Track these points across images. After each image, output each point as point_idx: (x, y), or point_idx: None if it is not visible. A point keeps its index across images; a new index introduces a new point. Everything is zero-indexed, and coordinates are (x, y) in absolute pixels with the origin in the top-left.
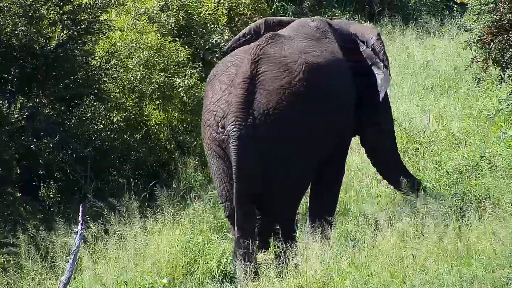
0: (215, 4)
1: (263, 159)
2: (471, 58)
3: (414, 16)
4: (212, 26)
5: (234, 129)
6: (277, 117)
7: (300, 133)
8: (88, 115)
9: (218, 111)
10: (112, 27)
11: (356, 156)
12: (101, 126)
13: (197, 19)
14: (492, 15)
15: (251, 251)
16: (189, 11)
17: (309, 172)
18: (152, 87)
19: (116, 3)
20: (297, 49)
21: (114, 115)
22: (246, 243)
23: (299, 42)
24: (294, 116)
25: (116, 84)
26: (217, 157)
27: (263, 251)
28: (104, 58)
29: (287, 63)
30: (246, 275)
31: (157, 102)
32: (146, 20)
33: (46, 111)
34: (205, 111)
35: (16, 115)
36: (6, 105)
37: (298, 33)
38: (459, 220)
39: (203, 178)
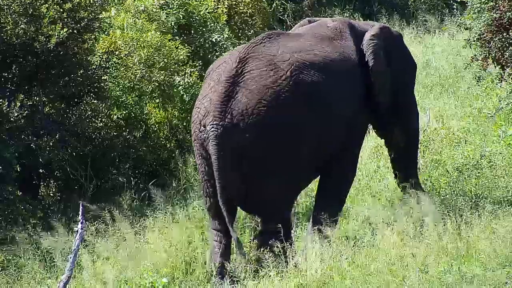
0: (215, 3)
1: (243, 159)
2: (471, 57)
3: (414, 15)
4: (212, 24)
5: (212, 129)
6: (256, 118)
7: (283, 136)
8: (88, 113)
9: (202, 108)
10: (112, 25)
11: None
12: (101, 125)
13: (197, 17)
14: (492, 13)
15: (226, 247)
16: (189, 10)
17: (295, 173)
18: (152, 86)
19: (116, 1)
20: (292, 48)
21: (114, 113)
22: (224, 239)
23: (300, 42)
24: (276, 117)
25: (116, 83)
26: (200, 155)
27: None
28: (104, 56)
29: (275, 62)
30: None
31: (157, 100)
32: (146, 18)
33: (46, 110)
34: (194, 107)
35: (16, 114)
36: (6, 103)
37: (309, 32)
38: (458, 219)
39: None
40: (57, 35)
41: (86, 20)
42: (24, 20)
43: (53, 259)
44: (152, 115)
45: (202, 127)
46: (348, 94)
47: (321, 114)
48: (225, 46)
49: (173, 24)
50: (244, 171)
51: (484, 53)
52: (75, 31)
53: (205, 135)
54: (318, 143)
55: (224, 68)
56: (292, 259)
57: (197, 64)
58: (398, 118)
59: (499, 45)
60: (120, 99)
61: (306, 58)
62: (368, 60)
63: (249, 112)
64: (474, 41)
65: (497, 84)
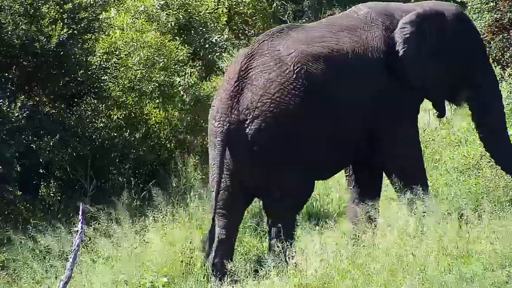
0: (215, 3)
1: (249, 155)
2: None
3: None
4: (212, 25)
5: (219, 125)
6: (260, 110)
7: (288, 128)
8: (88, 113)
9: (214, 107)
10: (112, 26)
11: None
12: (101, 125)
13: (197, 17)
14: (492, 14)
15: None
16: (189, 10)
17: (304, 170)
18: (152, 86)
19: (116, 1)
20: (300, 40)
21: (114, 113)
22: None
23: (311, 34)
24: (281, 110)
25: (116, 83)
26: (212, 150)
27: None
28: (104, 56)
29: (280, 56)
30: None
31: (157, 100)
32: (146, 19)
33: (46, 110)
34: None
35: (17, 114)
36: (7, 103)
37: (328, 23)
38: (459, 219)
39: (203, 176)
40: (58, 36)
41: (86, 20)
42: (25, 21)
43: (53, 259)
44: (152, 115)
45: (212, 124)
46: (366, 83)
47: (328, 104)
48: (225, 46)
49: (173, 25)
50: (251, 164)
51: None
52: (75, 31)
53: (214, 132)
54: (330, 133)
55: (233, 67)
56: (292, 258)
57: (197, 65)
58: (474, 99)
59: (499, 46)
60: (120, 99)
61: (312, 50)
62: (398, 49)
63: (253, 106)
64: None
65: None
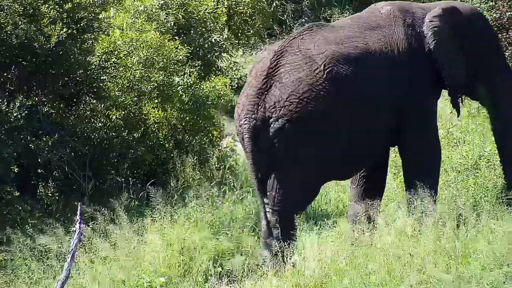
0: (214, 3)
1: (274, 152)
2: None
3: None
4: (211, 24)
5: (245, 122)
6: (288, 110)
7: (313, 129)
8: (87, 113)
9: (240, 104)
10: (111, 25)
11: None
12: (100, 125)
13: (196, 17)
14: (491, 13)
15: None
16: (188, 10)
17: (322, 171)
18: (151, 86)
19: (115, 1)
20: (330, 40)
21: (113, 113)
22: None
23: (341, 33)
24: (308, 111)
25: (115, 83)
26: (243, 149)
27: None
28: (103, 56)
29: (310, 56)
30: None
31: (156, 100)
32: (145, 19)
33: (45, 110)
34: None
35: (15, 114)
36: (5, 103)
37: (354, 22)
38: (456, 219)
39: (201, 177)
40: (57, 35)
41: (85, 20)
42: (24, 20)
43: (51, 259)
44: (151, 115)
45: (239, 122)
46: (391, 82)
47: (354, 107)
48: (224, 46)
49: (172, 24)
50: (274, 164)
51: None
52: (74, 31)
53: (240, 129)
54: (353, 137)
55: (262, 63)
56: (290, 258)
57: (196, 64)
58: (489, 99)
59: None
60: (119, 99)
61: (343, 50)
62: (429, 42)
63: (281, 104)
64: None
65: None
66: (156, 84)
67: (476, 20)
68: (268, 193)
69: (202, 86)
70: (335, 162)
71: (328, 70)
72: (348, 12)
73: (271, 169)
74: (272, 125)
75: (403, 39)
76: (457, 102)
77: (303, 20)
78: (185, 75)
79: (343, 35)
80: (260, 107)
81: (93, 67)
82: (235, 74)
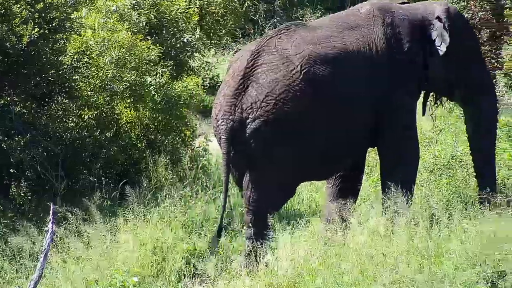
0: (186, 3)
1: (249, 153)
2: None
3: None
4: (183, 24)
5: (223, 124)
6: (264, 111)
7: (290, 130)
8: (59, 113)
9: (217, 104)
10: (83, 25)
11: None
12: (72, 124)
13: (168, 17)
14: (464, 13)
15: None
16: (160, 10)
17: (299, 171)
18: (124, 86)
19: (87, 0)
20: (308, 40)
21: (85, 113)
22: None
23: (318, 33)
24: (285, 112)
25: (87, 83)
26: (220, 148)
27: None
28: (75, 56)
29: (287, 56)
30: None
31: (128, 100)
32: (117, 18)
33: (17, 110)
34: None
35: None
36: None
37: (335, 21)
38: (429, 218)
39: (174, 176)
40: (29, 35)
41: (57, 20)
42: None
43: (24, 259)
44: (123, 115)
45: (216, 122)
46: (369, 82)
47: (332, 108)
48: (196, 46)
49: (144, 24)
50: (250, 164)
51: None
52: (46, 31)
53: (218, 129)
54: (330, 137)
55: (239, 63)
56: (262, 258)
57: (168, 64)
58: (469, 100)
59: None
60: (91, 99)
61: (320, 50)
62: (436, 42)
63: (257, 105)
64: None
65: None
66: (128, 84)
67: (459, 21)
68: (243, 193)
69: (174, 86)
70: (313, 162)
71: (305, 70)
72: (320, 12)
73: (247, 169)
74: (249, 126)
75: (382, 38)
76: (426, 102)
77: (275, 20)
78: (157, 75)
79: (321, 35)
80: (237, 108)
81: (65, 67)
82: (207, 74)
